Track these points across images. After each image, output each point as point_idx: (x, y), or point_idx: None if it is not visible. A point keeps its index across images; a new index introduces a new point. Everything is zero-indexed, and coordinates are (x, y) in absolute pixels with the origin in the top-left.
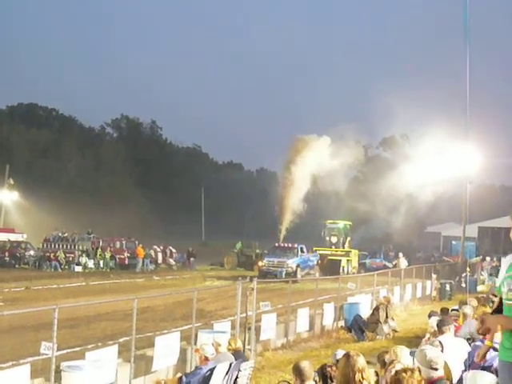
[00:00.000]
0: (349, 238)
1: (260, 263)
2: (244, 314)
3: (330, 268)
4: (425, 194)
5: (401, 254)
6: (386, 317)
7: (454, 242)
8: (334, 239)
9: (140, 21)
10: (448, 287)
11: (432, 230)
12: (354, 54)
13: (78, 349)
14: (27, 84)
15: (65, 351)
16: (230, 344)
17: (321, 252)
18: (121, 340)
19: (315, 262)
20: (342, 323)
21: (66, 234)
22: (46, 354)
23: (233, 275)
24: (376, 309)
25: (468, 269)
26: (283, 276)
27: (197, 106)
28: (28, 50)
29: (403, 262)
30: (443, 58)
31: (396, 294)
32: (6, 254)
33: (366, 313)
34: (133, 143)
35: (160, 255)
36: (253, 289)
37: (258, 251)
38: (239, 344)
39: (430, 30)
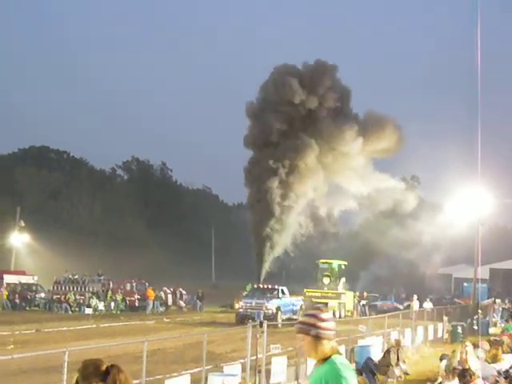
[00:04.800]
0: (343, 280)
1: (237, 305)
2: (254, 357)
3: None
4: (436, 236)
5: (415, 297)
6: (398, 359)
7: (465, 284)
8: (326, 280)
9: (150, 64)
10: (460, 329)
11: (444, 272)
12: (358, 96)
13: None
14: (39, 127)
15: None
16: None
17: (309, 294)
18: None
19: (299, 307)
20: (352, 366)
21: (76, 276)
22: None
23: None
24: (387, 351)
25: (480, 311)
26: (261, 319)
27: (207, 147)
28: (40, 94)
29: (416, 305)
30: (453, 97)
31: (407, 337)
32: (17, 296)
33: (377, 355)
34: (143, 185)
35: (170, 297)
36: (263, 331)
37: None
38: None
39: (440, 72)
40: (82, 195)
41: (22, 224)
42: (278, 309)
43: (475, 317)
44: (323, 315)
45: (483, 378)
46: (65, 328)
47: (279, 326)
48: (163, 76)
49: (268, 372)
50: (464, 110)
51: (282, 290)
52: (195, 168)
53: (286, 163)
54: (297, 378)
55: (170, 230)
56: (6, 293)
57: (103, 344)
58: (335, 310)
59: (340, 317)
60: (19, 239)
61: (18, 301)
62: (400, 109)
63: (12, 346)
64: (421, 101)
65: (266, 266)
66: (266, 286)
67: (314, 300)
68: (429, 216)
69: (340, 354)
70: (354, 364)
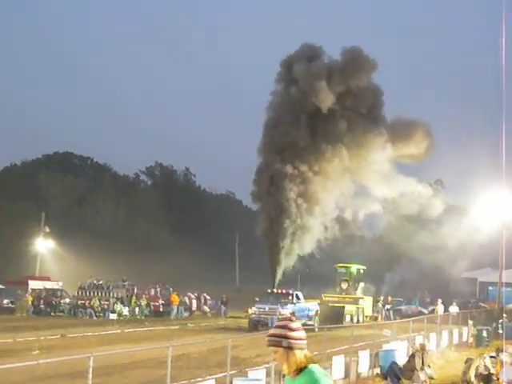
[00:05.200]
0: (362, 284)
1: (250, 311)
2: None
3: (331, 317)
4: (461, 240)
5: (439, 301)
6: (423, 364)
7: (490, 288)
8: (344, 285)
9: (172, 71)
10: (485, 333)
11: (468, 276)
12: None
13: None
14: (63, 133)
15: None
16: None
17: (326, 299)
18: None
19: (314, 312)
20: (377, 370)
21: (100, 282)
22: None
23: None
24: (412, 356)
25: (505, 315)
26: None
27: (230, 152)
28: (63, 101)
29: (441, 309)
30: (478, 99)
31: (432, 341)
32: (42, 301)
33: (401, 360)
34: (167, 190)
35: (194, 302)
36: None
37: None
38: None
39: (464, 73)
40: (106, 201)
41: (47, 230)
42: (293, 314)
43: (500, 321)
44: (293, 325)
45: (508, 382)
46: (89, 333)
47: (316, 330)
48: (180, 80)
49: None
50: (489, 113)
51: (296, 294)
52: (219, 173)
53: (305, 167)
54: None
55: (193, 235)
56: (31, 298)
57: (128, 349)
58: (353, 315)
59: (358, 322)
60: (44, 245)
61: (42, 306)
62: (422, 110)
63: (37, 352)
64: (444, 102)
65: (281, 270)
66: (280, 291)
67: (330, 305)
68: (453, 220)
69: (315, 362)
70: (379, 368)
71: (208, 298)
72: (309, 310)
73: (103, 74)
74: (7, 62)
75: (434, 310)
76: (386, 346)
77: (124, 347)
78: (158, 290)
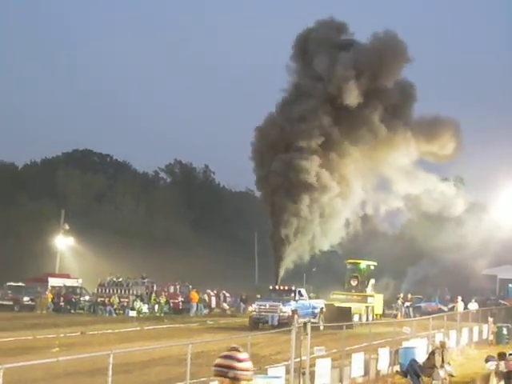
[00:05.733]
0: (372, 281)
1: (250, 308)
2: (298, 359)
3: (338, 317)
4: (481, 237)
5: (459, 298)
6: (443, 361)
7: (510, 285)
8: (353, 282)
9: (189, 74)
10: (505, 331)
11: (488, 273)
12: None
13: None
14: (82, 131)
15: None
16: None
17: (333, 296)
18: None
19: (319, 310)
20: (397, 368)
21: (120, 279)
22: None
23: None
24: (432, 353)
25: None
26: (275, 323)
27: (249, 150)
28: (82, 99)
29: (461, 306)
30: (498, 94)
31: (452, 338)
32: (62, 299)
33: (421, 357)
34: (186, 188)
35: (214, 300)
36: (307, 333)
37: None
38: None
39: (484, 68)
40: (126, 198)
41: (67, 227)
42: (295, 312)
43: None
44: (240, 356)
45: None
46: (109, 331)
47: (321, 328)
48: (188, 77)
49: (312, 374)
50: (509, 107)
51: (299, 291)
52: (238, 171)
53: (320, 161)
54: (341, 380)
55: (213, 233)
56: (51, 296)
57: (147, 347)
58: (361, 314)
59: (367, 320)
60: (64, 242)
61: (62, 304)
62: (442, 105)
63: (57, 349)
64: (467, 98)
65: (284, 267)
66: (282, 288)
67: (336, 305)
68: (474, 217)
69: None
70: (399, 366)
71: (227, 295)
72: (313, 307)
73: (122, 75)
74: (20, 64)
75: (453, 307)
76: (405, 344)
77: (143, 344)
78: (178, 287)
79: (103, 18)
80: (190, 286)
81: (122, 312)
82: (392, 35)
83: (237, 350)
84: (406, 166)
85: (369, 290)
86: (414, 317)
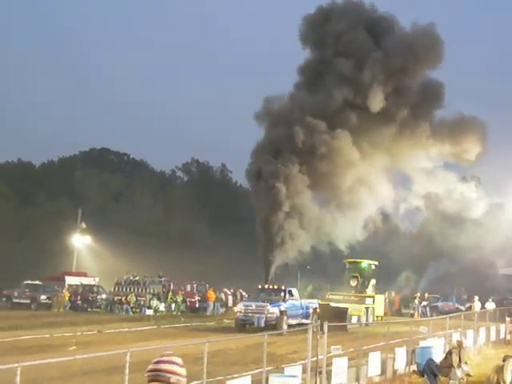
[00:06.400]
0: (373, 281)
1: (235, 309)
2: (315, 358)
3: (333, 317)
4: (499, 237)
5: (476, 298)
6: (460, 361)
7: None
8: (353, 282)
9: (207, 67)
10: None
11: (506, 273)
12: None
13: None
14: (99, 130)
15: None
16: None
17: (328, 297)
18: None
19: (312, 311)
20: (414, 367)
21: (137, 278)
22: None
23: None
24: (449, 353)
25: None
26: (262, 324)
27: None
28: (99, 99)
29: (478, 305)
30: None
31: (469, 338)
32: (79, 297)
33: (438, 357)
34: (203, 187)
35: (230, 298)
36: (323, 332)
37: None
38: None
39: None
40: (143, 197)
41: (84, 226)
42: (284, 313)
43: None
44: (179, 361)
45: None
46: (126, 329)
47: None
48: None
49: (329, 373)
50: None
51: (290, 291)
52: None
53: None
54: (357, 379)
55: (230, 231)
56: (68, 294)
57: (164, 345)
58: (360, 316)
59: (367, 321)
60: (81, 241)
61: (79, 302)
62: (466, 103)
63: (74, 347)
64: (490, 96)
65: (275, 264)
66: (272, 287)
67: (332, 305)
68: (492, 217)
69: None
70: (416, 365)
71: (244, 294)
72: (306, 308)
73: (140, 74)
74: (34, 64)
75: (470, 306)
76: (422, 343)
77: (160, 343)
78: (195, 285)
79: (116, 15)
80: (207, 285)
81: (138, 310)
82: (430, 29)
83: (173, 354)
84: (427, 165)
85: (369, 291)
86: (431, 316)
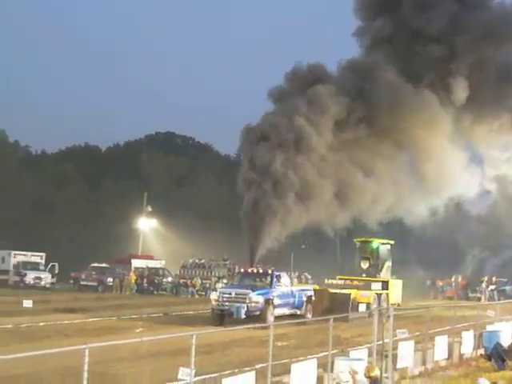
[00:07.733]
0: (388, 264)
1: (211, 296)
2: (381, 342)
3: (333, 306)
4: None
5: None
6: None
7: None
8: (364, 264)
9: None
10: None
11: None
12: None
13: (214, 375)
14: (165, 113)
15: (202, 377)
16: (367, 372)
17: (328, 282)
18: (257, 366)
19: (306, 299)
20: (481, 351)
21: (202, 261)
22: (184, 380)
23: None
24: None
25: None
26: (242, 316)
27: None
28: (165, 82)
29: None
30: None
31: None
32: (145, 280)
33: (506, 341)
34: None
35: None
36: (389, 316)
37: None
38: (376, 372)
39: None
40: (208, 180)
41: (149, 209)
42: (269, 302)
43: None
44: None
45: None
46: (191, 312)
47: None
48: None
49: (395, 357)
50: None
51: (278, 275)
52: None
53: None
54: (424, 363)
55: None
56: (135, 277)
57: (229, 328)
58: (370, 303)
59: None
60: (146, 224)
61: (145, 285)
62: None
63: (142, 329)
64: None
65: (265, 244)
66: (256, 271)
67: (332, 291)
68: None
69: None
70: (483, 349)
71: (309, 276)
72: (297, 296)
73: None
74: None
75: None
76: (490, 327)
77: (226, 326)
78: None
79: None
80: (272, 268)
81: (203, 293)
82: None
83: None
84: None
85: (383, 274)
86: (499, 300)
